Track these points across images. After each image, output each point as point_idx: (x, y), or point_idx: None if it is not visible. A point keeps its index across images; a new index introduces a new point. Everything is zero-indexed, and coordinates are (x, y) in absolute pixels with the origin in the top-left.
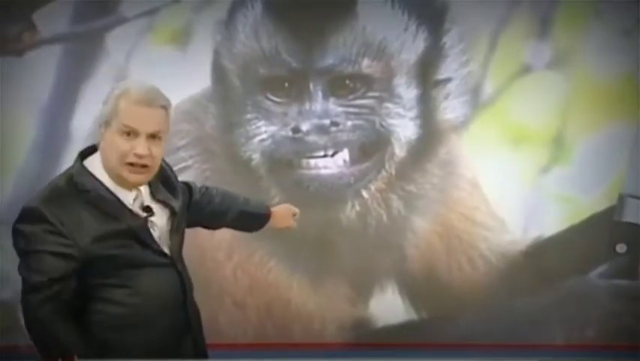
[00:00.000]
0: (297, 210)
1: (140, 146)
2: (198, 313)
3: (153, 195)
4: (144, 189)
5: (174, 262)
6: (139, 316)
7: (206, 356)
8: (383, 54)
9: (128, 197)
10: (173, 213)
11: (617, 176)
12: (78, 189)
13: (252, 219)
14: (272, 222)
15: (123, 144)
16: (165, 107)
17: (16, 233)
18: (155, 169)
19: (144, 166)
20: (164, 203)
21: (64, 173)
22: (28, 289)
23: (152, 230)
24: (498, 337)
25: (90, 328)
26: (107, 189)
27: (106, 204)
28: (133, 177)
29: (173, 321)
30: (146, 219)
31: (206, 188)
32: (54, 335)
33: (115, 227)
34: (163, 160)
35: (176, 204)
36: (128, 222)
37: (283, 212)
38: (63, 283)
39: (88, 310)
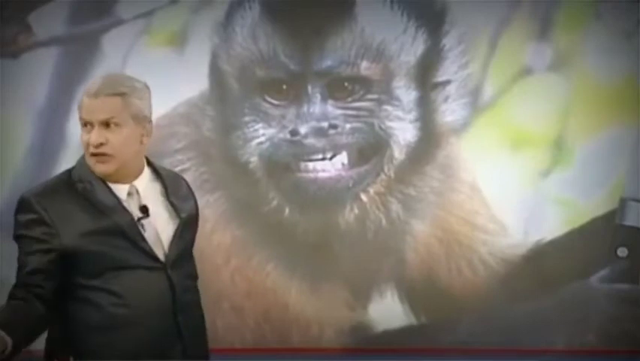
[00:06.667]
0: None
1: (94, 135)
2: (199, 321)
3: (167, 195)
4: (153, 188)
5: (165, 267)
6: (121, 319)
7: None
8: (382, 56)
9: (121, 192)
10: (179, 218)
11: (618, 179)
12: (72, 179)
13: None
14: None
15: (84, 136)
16: (121, 94)
17: (14, 223)
18: (122, 158)
19: (105, 155)
20: (173, 206)
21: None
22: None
23: (143, 230)
24: (498, 341)
25: (72, 330)
26: (102, 181)
27: (95, 195)
28: (98, 168)
29: (158, 328)
30: (133, 217)
31: None
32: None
33: (103, 224)
34: (183, 178)
35: (186, 210)
36: (116, 218)
37: None
38: (41, 277)
39: (69, 311)
